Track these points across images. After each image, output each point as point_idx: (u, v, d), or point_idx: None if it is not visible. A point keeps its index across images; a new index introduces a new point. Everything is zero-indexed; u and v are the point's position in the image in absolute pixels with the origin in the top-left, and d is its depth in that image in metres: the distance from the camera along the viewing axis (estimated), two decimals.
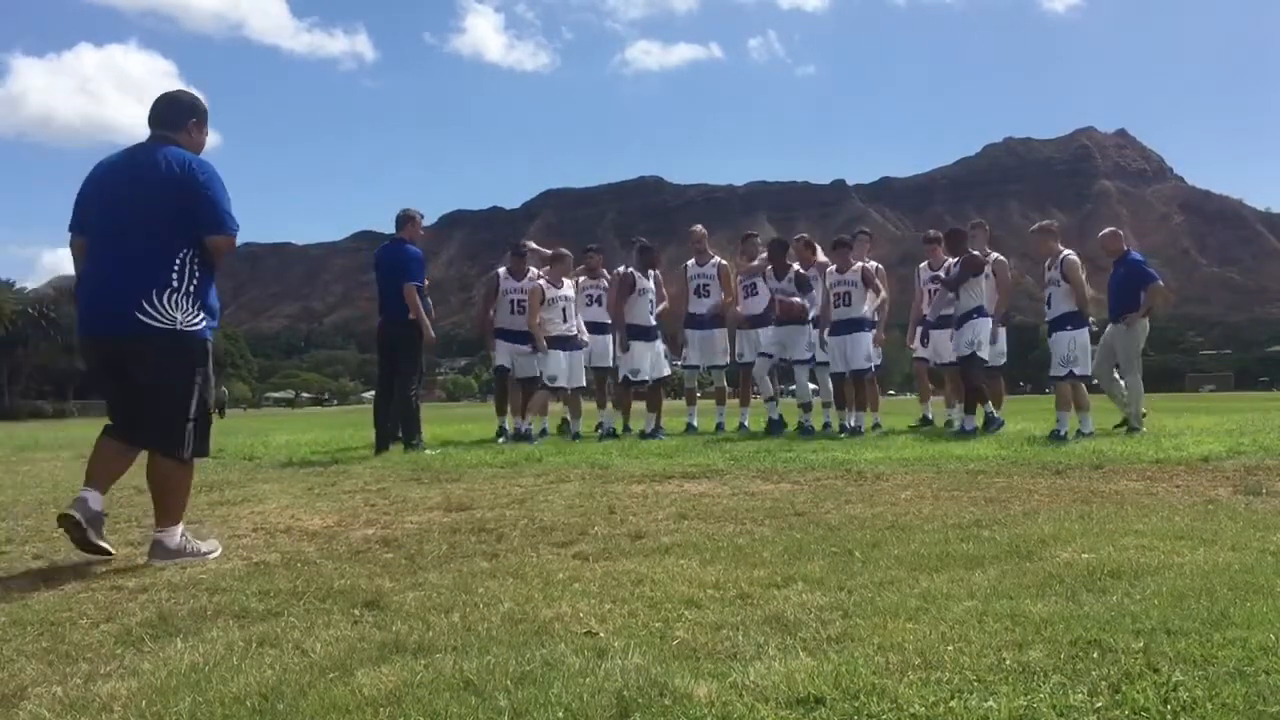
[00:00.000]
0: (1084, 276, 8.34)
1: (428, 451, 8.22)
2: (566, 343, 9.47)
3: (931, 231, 10.84)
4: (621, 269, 10.08)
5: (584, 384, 9.78)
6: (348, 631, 2.48)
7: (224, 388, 64.22)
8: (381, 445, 8.54)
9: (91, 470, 3.69)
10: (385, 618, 2.60)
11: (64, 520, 3.51)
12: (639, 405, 10.16)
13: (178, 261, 3.60)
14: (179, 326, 3.59)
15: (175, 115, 3.79)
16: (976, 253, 9.04)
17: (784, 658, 2.11)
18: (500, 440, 9.44)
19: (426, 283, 8.63)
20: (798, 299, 9.26)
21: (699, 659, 2.14)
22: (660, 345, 9.69)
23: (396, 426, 8.59)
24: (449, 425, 10.37)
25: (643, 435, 9.44)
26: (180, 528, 3.68)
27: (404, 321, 8.36)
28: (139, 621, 2.63)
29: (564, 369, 9.44)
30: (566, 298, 9.55)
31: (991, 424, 8.95)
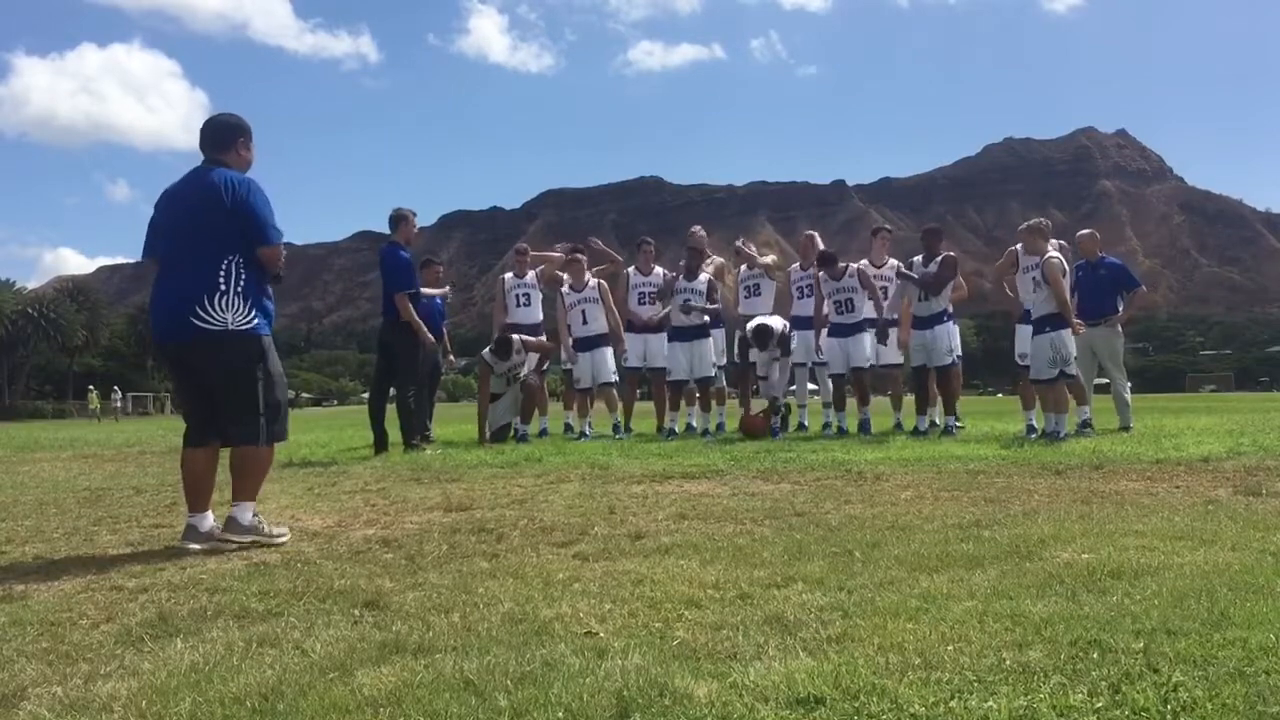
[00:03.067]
0: (1066, 280, 8.31)
1: (428, 451, 8.23)
2: (588, 343, 9.81)
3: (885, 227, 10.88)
4: (630, 270, 10.32)
5: (609, 380, 10.03)
6: (348, 631, 2.48)
7: None
8: (380, 445, 8.55)
9: (188, 494, 4.01)
10: (385, 618, 2.60)
11: (186, 549, 3.81)
12: (643, 405, 10.34)
13: (224, 267, 3.90)
14: (230, 326, 3.89)
15: (223, 138, 4.11)
16: (953, 254, 9.10)
17: (784, 658, 2.11)
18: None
19: (420, 288, 8.74)
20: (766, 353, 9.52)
21: (699, 659, 2.13)
22: (698, 345, 9.77)
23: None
24: (449, 425, 10.38)
25: (705, 432, 9.78)
26: (253, 506, 4.00)
27: (400, 323, 8.38)
28: (139, 621, 2.63)
29: (587, 369, 9.84)
30: (586, 299, 9.84)
31: (952, 429, 9.11)
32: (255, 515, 4.00)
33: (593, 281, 9.98)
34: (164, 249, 4.04)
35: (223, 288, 3.90)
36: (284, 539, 3.96)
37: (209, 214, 3.92)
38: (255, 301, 4.00)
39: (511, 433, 9.70)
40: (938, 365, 9.05)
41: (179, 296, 3.92)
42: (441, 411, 10.27)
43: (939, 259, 9.04)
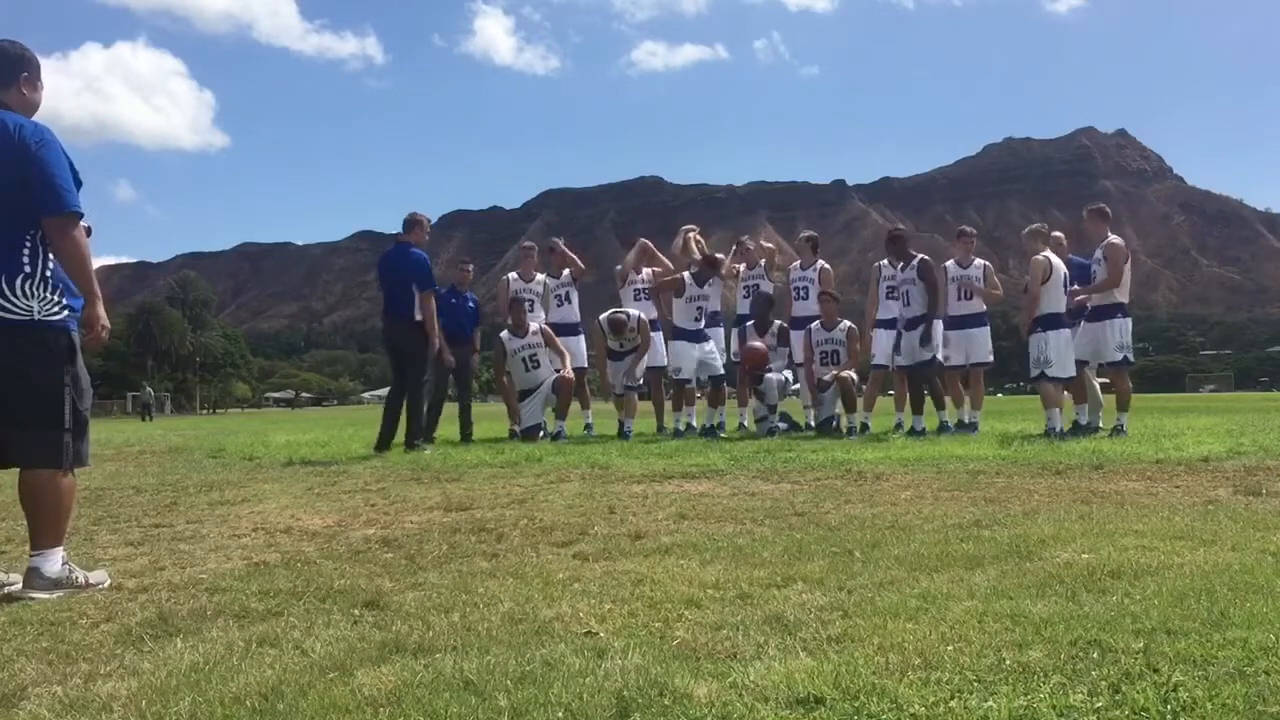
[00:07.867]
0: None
1: (427, 451, 8.24)
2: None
3: (967, 229, 10.53)
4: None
5: (634, 384, 10.15)
6: (348, 631, 2.48)
7: (149, 389, 57.72)
8: (382, 443, 8.58)
9: None
10: (385, 618, 2.60)
11: None
12: (641, 405, 10.46)
13: (28, 242, 3.09)
14: (37, 316, 3.08)
15: (2, 70, 3.17)
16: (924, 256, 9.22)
17: (784, 658, 2.11)
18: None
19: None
20: (761, 345, 9.69)
21: (699, 659, 2.13)
22: (707, 345, 9.86)
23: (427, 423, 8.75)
24: (449, 425, 10.39)
25: (706, 431, 9.78)
26: (61, 552, 3.15)
27: (409, 322, 8.40)
28: (139, 621, 2.63)
29: (618, 369, 9.99)
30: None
31: (961, 427, 9.23)
32: (65, 562, 3.14)
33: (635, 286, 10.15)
34: None
35: (28, 268, 3.07)
36: (105, 584, 3.17)
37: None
38: (66, 289, 3.19)
39: (542, 433, 9.73)
40: (923, 361, 9.13)
41: None
42: (444, 411, 10.29)
43: (914, 264, 9.09)
